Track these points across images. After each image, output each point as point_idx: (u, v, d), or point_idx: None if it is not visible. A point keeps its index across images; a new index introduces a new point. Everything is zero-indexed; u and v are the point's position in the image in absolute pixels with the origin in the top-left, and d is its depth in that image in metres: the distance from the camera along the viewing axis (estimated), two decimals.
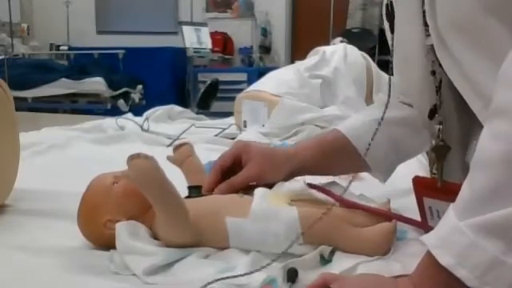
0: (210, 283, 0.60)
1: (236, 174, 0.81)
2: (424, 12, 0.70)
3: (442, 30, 0.67)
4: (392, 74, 0.78)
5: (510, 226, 0.48)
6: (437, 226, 0.54)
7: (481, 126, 0.55)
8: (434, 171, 0.75)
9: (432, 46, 0.71)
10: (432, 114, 0.76)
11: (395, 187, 0.97)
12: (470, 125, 0.74)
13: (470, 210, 0.50)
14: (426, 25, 0.71)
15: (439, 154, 0.75)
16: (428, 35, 0.71)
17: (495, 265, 0.48)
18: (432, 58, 0.73)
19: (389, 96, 0.75)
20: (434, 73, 0.74)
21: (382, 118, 0.76)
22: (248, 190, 0.78)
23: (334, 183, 0.80)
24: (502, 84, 0.53)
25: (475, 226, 0.49)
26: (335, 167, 0.89)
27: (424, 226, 0.75)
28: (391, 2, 0.79)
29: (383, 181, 0.90)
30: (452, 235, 0.51)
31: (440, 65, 0.71)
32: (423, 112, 0.79)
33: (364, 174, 0.98)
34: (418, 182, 0.78)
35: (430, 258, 0.52)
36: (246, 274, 0.62)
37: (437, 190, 0.74)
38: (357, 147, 0.85)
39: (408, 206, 0.81)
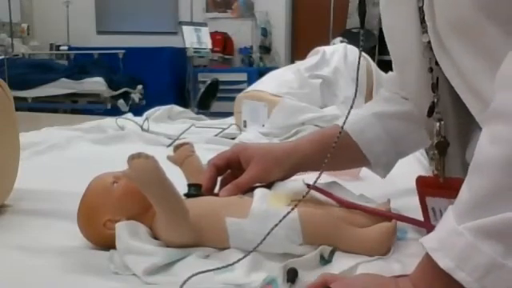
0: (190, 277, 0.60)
1: (234, 175, 0.81)
2: (420, 8, 0.70)
3: (440, 32, 0.67)
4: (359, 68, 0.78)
5: (510, 229, 0.48)
6: (436, 227, 0.54)
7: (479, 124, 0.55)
8: (438, 168, 0.75)
9: (428, 42, 0.71)
10: (431, 111, 0.76)
11: (395, 187, 0.97)
12: (469, 122, 0.74)
13: (470, 214, 0.50)
14: (421, 22, 0.71)
15: (441, 150, 0.75)
16: (424, 32, 0.71)
17: (494, 267, 0.48)
18: (429, 55, 0.73)
19: (355, 96, 0.76)
20: (431, 70, 0.74)
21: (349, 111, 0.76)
22: (247, 190, 0.78)
23: (334, 183, 0.80)
24: (501, 86, 0.53)
25: (474, 229, 0.49)
26: (335, 162, 0.88)
27: (425, 225, 0.75)
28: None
29: (383, 176, 0.90)
30: (451, 238, 0.51)
31: (437, 62, 0.71)
32: (421, 109, 0.79)
33: (364, 174, 0.98)
34: (421, 181, 0.78)
35: (429, 261, 0.52)
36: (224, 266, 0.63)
37: (439, 186, 0.74)
38: (357, 141, 0.85)
39: (408, 206, 0.81)
